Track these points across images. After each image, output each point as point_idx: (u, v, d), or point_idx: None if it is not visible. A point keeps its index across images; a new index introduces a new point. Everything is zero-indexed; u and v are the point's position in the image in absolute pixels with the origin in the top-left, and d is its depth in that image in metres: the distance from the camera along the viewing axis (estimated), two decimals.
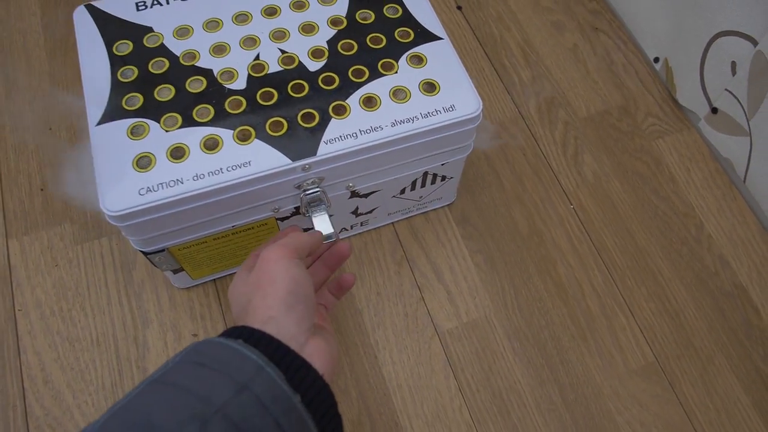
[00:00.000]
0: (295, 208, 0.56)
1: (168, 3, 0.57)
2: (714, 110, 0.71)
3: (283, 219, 0.57)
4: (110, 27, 0.56)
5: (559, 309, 0.63)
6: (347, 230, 0.64)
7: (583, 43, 0.81)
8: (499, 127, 0.74)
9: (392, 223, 0.67)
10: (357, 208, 0.60)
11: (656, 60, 0.79)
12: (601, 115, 0.75)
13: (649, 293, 0.64)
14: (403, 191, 0.61)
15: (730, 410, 0.59)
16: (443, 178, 0.61)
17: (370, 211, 0.62)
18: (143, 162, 0.49)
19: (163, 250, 0.55)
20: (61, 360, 0.60)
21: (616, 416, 0.58)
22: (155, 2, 0.57)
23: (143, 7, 0.57)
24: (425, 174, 0.59)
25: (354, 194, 0.57)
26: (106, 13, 0.57)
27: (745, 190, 0.71)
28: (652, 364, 0.61)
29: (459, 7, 0.83)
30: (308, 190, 0.53)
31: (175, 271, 0.60)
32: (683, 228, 0.68)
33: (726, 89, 0.68)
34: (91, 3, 0.57)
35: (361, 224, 0.64)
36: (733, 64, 0.66)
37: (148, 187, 0.48)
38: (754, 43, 0.63)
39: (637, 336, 0.62)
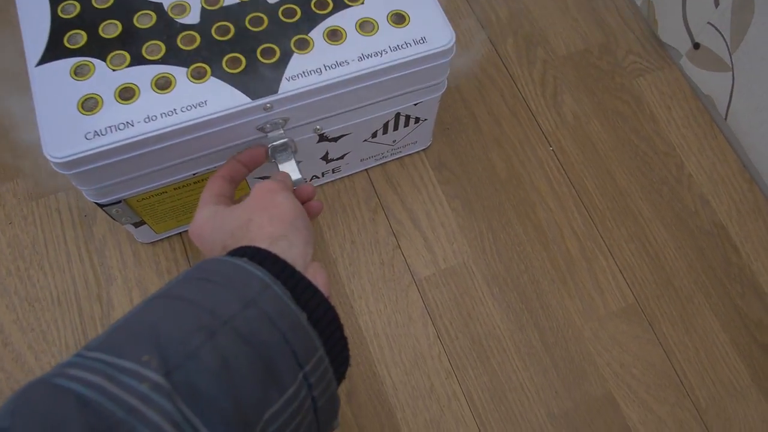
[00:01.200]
0: None
1: None
2: (696, 45, 0.69)
3: None
4: None
5: (539, 253, 0.62)
6: (318, 177, 0.61)
7: None
8: (475, 66, 0.71)
9: (366, 169, 0.64)
10: (327, 153, 0.57)
11: None
12: (581, 53, 0.72)
13: (629, 234, 0.63)
14: (374, 134, 0.57)
15: (708, 348, 0.59)
16: (417, 119, 0.58)
17: (342, 157, 0.59)
18: (89, 104, 0.45)
19: (119, 202, 0.51)
20: (20, 321, 0.57)
21: (596, 358, 0.58)
22: None
23: None
24: (397, 115, 0.56)
25: (322, 138, 0.54)
26: None
27: (726, 127, 0.69)
28: (632, 306, 0.60)
29: None
30: (272, 132, 0.49)
31: (136, 225, 0.56)
32: (664, 168, 0.67)
33: (708, 22, 0.66)
34: None
35: (333, 171, 0.61)
36: None
37: (96, 131, 0.44)
38: None
39: (617, 278, 0.61)
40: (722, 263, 0.62)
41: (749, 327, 0.60)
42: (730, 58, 0.64)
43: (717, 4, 0.64)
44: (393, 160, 0.64)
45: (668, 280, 0.61)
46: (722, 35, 0.65)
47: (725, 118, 0.68)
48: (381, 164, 0.64)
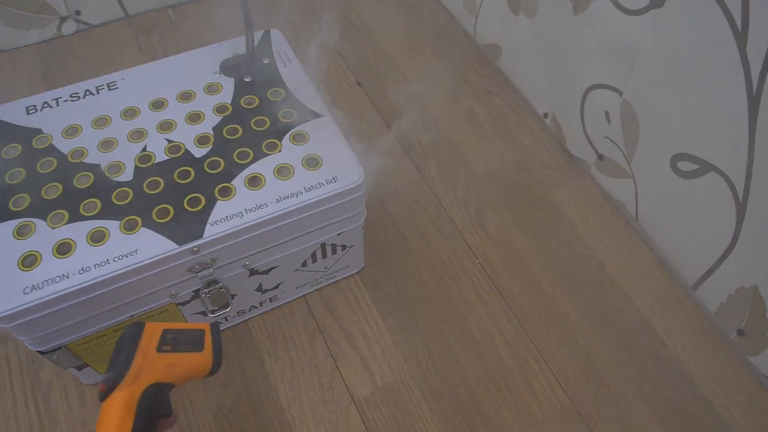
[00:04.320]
0: (193, 291, 0.56)
1: (58, 105, 0.59)
2: (600, 157, 0.76)
3: (183, 303, 0.57)
4: (0, 132, 0.57)
5: (473, 363, 0.64)
6: (256, 308, 0.65)
7: (478, 106, 0.86)
8: (402, 190, 0.77)
9: (303, 295, 0.68)
10: (261, 285, 0.61)
11: (545, 115, 0.85)
12: (500, 171, 0.79)
13: (559, 338, 0.66)
14: (304, 264, 0.62)
15: None
16: (343, 247, 0.63)
17: (276, 287, 0.63)
18: (29, 260, 0.49)
19: (60, 348, 0.54)
20: None
21: None
22: (46, 105, 0.59)
23: (33, 111, 0.59)
24: (323, 245, 0.61)
25: (253, 272, 0.58)
26: None
27: (639, 228, 0.74)
28: (567, 408, 0.62)
29: (359, 83, 0.88)
30: (202, 272, 0.53)
31: (79, 368, 0.58)
32: (586, 270, 0.71)
33: (606, 137, 0.73)
34: None
35: (270, 300, 0.65)
36: (607, 114, 0.72)
37: (33, 285, 0.48)
38: (620, 93, 0.68)
39: (551, 381, 0.63)
40: (651, 357, 0.65)
41: (683, 418, 0.61)
42: (629, 166, 0.71)
43: (609, 120, 0.72)
44: (328, 284, 0.68)
45: (601, 379, 0.63)
46: (619, 147, 0.72)
47: (637, 220, 0.74)
48: (317, 289, 0.68)
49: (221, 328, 0.64)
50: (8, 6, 0.84)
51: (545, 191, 0.78)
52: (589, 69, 0.71)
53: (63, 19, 0.91)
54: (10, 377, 0.63)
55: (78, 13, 0.91)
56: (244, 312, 0.64)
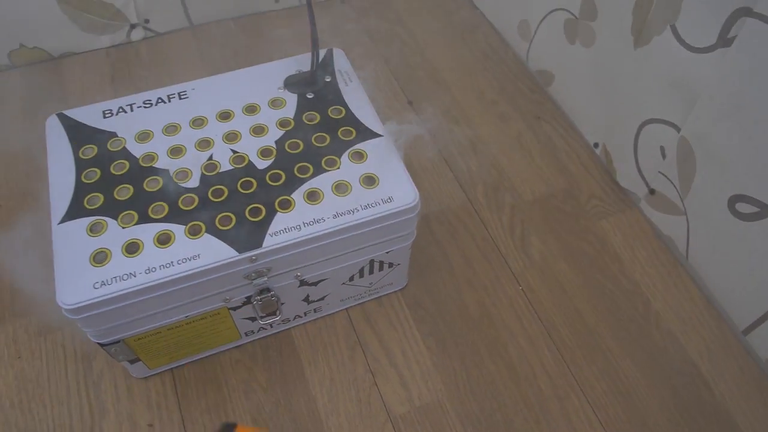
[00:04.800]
0: (246, 297, 0.58)
1: (132, 110, 0.63)
2: (651, 191, 0.76)
3: (235, 308, 0.59)
4: (78, 133, 0.61)
5: (511, 391, 0.64)
6: (300, 317, 0.66)
7: (527, 132, 0.87)
8: (449, 212, 0.78)
9: (346, 308, 0.69)
10: (308, 296, 0.63)
11: (596, 145, 0.84)
12: (546, 198, 0.79)
13: (600, 372, 0.66)
14: (351, 278, 0.63)
15: None
16: (390, 264, 0.64)
17: (322, 299, 0.64)
18: (100, 257, 0.52)
19: (119, 342, 0.57)
20: None
21: None
22: (121, 110, 0.63)
23: (110, 115, 0.62)
24: (372, 261, 0.62)
25: (303, 282, 0.60)
26: (76, 120, 0.62)
27: (688, 266, 0.73)
28: None
29: (410, 102, 0.90)
30: (257, 279, 0.55)
31: (132, 361, 0.61)
32: (630, 306, 0.70)
33: (659, 171, 0.73)
34: (63, 112, 0.63)
35: (315, 311, 0.66)
36: (662, 149, 0.71)
37: (103, 281, 0.51)
38: (678, 129, 0.68)
39: (590, 417, 0.63)
40: (695, 402, 0.64)
41: None
42: (683, 203, 0.71)
43: (664, 155, 0.72)
44: (371, 300, 0.69)
45: (642, 419, 0.63)
46: (672, 183, 0.71)
47: (686, 258, 0.73)
48: (360, 304, 0.69)
49: (265, 335, 0.67)
50: (85, 12, 0.89)
51: (592, 221, 0.78)
52: (647, 103, 0.71)
53: (133, 26, 0.95)
54: (65, 364, 0.66)
55: (147, 21, 0.96)
56: (289, 320, 0.66)
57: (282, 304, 0.61)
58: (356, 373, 0.65)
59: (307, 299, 0.63)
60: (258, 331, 0.65)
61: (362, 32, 1.01)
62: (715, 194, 0.65)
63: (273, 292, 0.58)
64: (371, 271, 0.63)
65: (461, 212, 0.78)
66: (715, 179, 0.65)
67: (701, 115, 0.64)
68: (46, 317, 0.68)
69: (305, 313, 0.66)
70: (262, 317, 0.61)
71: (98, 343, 0.56)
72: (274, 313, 0.62)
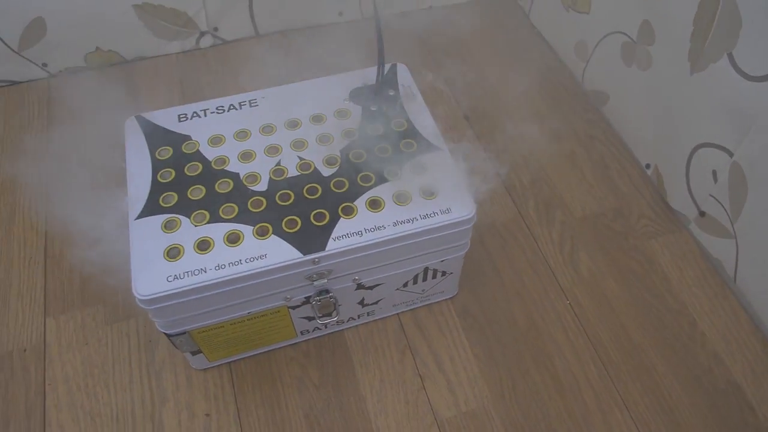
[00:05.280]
0: (305, 297, 0.61)
1: (205, 115, 0.66)
2: (702, 213, 0.76)
3: (294, 307, 0.62)
4: (155, 135, 0.65)
5: (556, 402, 0.65)
6: (354, 319, 0.69)
7: (579, 150, 0.88)
8: (500, 225, 0.80)
9: (397, 314, 0.71)
10: (363, 299, 0.65)
11: (647, 166, 0.85)
12: (597, 216, 0.80)
13: (644, 388, 0.66)
14: (406, 284, 0.66)
15: None
16: (443, 273, 0.66)
17: (376, 302, 0.67)
18: (173, 252, 0.56)
19: (184, 333, 0.60)
20: None
21: None
22: (195, 114, 0.67)
23: (184, 119, 0.66)
24: (426, 269, 0.64)
25: (360, 286, 0.63)
26: (153, 123, 0.66)
27: (736, 289, 0.74)
28: None
29: (466, 117, 0.92)
30: (317, 281, 0.58)
31: (193, 353, 0.65)
32: (676, 325, 0.71)
33: (710, 195, 0.73)
34: (141, 114, 0.67)
35: (368, 314, 0.69)
36: (714, 172, 0.72)
37: (176, 275, 0.54)
38: (730, 154, 0.68)
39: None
40: (738, 423, 0.64)
41: None
42: (732, 227, 0.71)
43: (716, 179, 0.72)
44: (422, 306, 0.72)
45: None
46: (723, 207, 0.72)
47: (735, 281, 0.73)
48: (411, 309, 0.71)
49: (320, 335, 0.69)
50: (158, 18, 0.94)
51: (641, 241, 0.78)
52: (700, 127, 0.72)
53: (202, 34, 1.00)
54: (129, 353, 0.70)
55: (216, 29, 1.00)
56: (343, 322, 0.69)
57: (339, 305, 0.64)
58: (405, 376, 0.67)
59: (362, 302, 0.66)
60: (313, 331, 0.68)
61: (424, 49, 1.04)
62: (766, 220, 0.65)
63: (331, 294, 0.61)
64: (425, 279, 0.66)
65: (512, 225, 0.79)
66: (766, 205, 0.65)
67: (755, 141, 0.64)
68: (114, 307, 0.73)
69: (359, 316, 0.68)
70: (319, 317, 0.64)
71: (165, 334, 0.60)
72: (330, 314, 0.64)
